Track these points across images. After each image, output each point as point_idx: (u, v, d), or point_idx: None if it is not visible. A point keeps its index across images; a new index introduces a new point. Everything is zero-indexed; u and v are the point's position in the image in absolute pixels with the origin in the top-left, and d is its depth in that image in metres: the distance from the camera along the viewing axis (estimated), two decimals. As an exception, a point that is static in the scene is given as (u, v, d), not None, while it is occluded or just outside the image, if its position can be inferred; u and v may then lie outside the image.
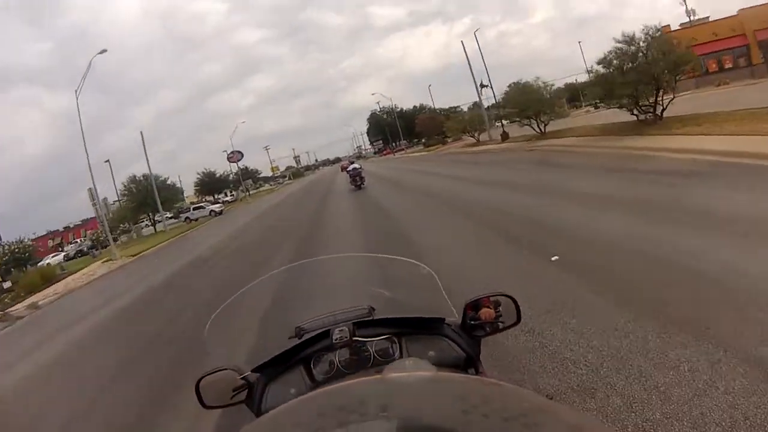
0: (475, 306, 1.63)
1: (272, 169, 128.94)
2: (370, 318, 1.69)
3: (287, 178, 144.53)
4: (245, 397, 1.62)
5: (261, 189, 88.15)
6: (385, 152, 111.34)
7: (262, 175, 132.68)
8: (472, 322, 1.62)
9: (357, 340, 1.56)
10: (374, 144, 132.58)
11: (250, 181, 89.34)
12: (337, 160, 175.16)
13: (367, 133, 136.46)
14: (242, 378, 1.60)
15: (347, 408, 0.61)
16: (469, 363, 1.60)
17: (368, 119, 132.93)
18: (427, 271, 1.92)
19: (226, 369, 1.63)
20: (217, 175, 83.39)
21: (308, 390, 1.49)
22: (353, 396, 0.68)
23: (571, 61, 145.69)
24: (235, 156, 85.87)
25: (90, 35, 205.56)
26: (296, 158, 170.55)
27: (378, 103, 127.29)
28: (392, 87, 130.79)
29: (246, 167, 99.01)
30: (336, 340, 1.53)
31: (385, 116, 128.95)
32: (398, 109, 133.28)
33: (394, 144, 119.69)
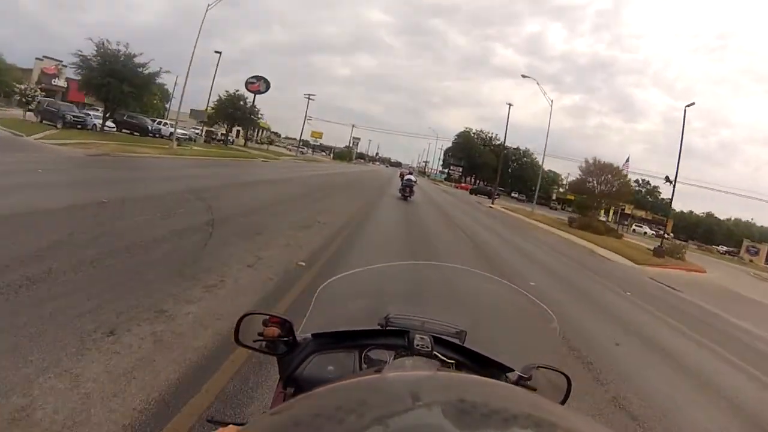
0: (529, 371, 1.61)
1: (314, 134, 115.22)
2: (455, 341, 1.69)
3: (324, 153, 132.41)
4: (285, 352, 1.60)
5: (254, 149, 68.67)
6: (461, 186, 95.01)
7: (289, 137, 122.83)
8: (522, 386, 1.59)
9: (435, 355, 1.56)
10: (453, 168, 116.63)
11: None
12: (398, 164, 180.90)
13: (446, 153, 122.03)
14: (292, 336, 1.59)
15: (346, 407, 0.62)
16: None
17: (457, 136, 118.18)
18: (553, 324, 1.92)
19: (285, 320, 1.60)
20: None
21: (349, 374, 1.53)
22: (352, 396, 0.69)
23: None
24: (257, 84, 66.49)
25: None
26: (354, 140, 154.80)
27: (473, 130, 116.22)
28: (481, 125, 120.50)
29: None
30: (418, 345, 1.55)
31: (482, 146, 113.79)
32: (498, 143, 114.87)
33: (475, 181, 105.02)
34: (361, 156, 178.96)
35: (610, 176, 49.07)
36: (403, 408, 0.59)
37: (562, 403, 1.60)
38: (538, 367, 1.63)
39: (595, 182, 49.90)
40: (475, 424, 0.56)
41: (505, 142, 76.16)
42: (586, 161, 51.05)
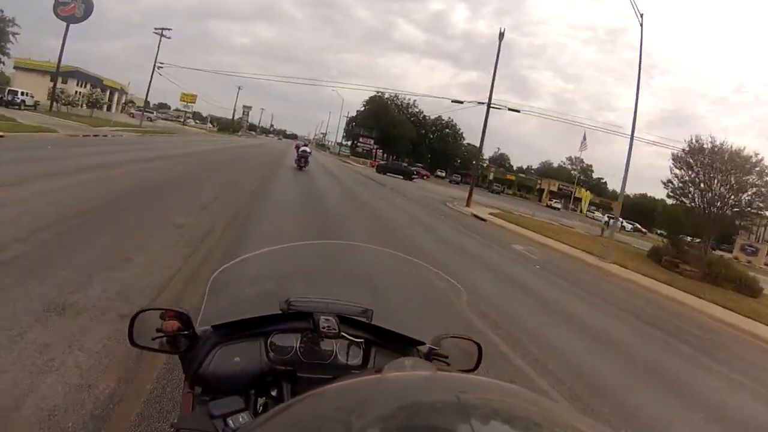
0: (438, 341, 1.72)
1: (185, 98, 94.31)
2: (362, 319, 1.71)
3: (208, 125, 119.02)
4: (184, 348, 1.57)
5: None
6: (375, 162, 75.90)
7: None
8: (435, 356, 1.71)
9: (343, 336, 1.61)
10: (363, 141, 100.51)
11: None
12: (294, 136, 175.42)
13: (351, 122, 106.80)
14: (192, 329, 1.56)
15: (347, 408, 0.62)
16: None
17: (366, 102, 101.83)
18: (463, 298, 2.04)
19: (182, 313, 1.56)
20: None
21: (257, 365, 1.58)
22: (353, 396, 0.70)
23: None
24: (72, 5, 49.35)
25: None
26: (245, 108, 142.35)
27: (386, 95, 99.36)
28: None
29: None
30: (323, 328, 1.57)
31: (397, 113, 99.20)
32: (417, 110, 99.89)
33: (385, 156, 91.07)
34: (253, 128, 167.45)
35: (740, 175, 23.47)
36: (404, 408, 0.59)
37: (474, 368, 1.71)
38: (449, 336, 1.72)
39: (716, 184, 23.70)
40: (474, 424, 0.55)
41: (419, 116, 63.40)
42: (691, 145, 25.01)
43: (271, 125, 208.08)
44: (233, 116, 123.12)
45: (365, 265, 2.60)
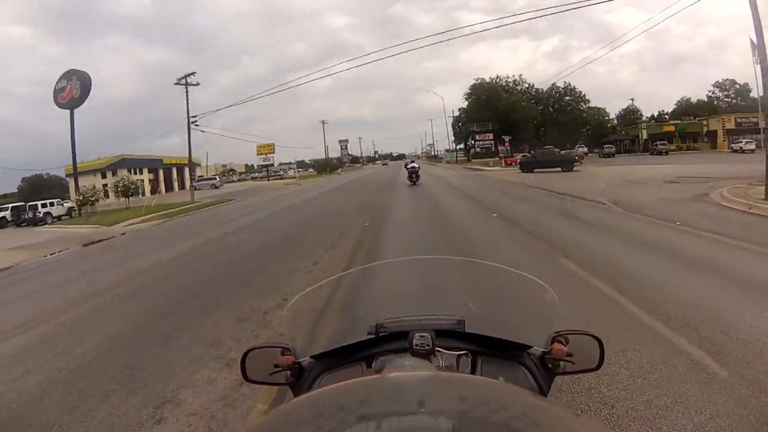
0: (554, 339, 1.60)
1: (261, 150, 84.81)
2: (458, 330, 1.66)
3: (295, 170, 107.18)
4: (292, 379, 1.63)
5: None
6: (509, 159, 59.34)
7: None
8: (547, 356, 1.59)
9: (438, 350, 1.56)
10: (478, 138, 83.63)
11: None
12: (401, 157, 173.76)
13: (457, 123, 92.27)
14: (296, 361, 1.63)
15: (347, 408, 0.63)
16: None
17: (469, 94, 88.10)
18: (549, 295, 1.89)
19: (281, 347, 1.65)
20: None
21: None
22: (354, 396, 0.71)
23: None
24: (68, 88, 48.58)
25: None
26: (342, 143, 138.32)
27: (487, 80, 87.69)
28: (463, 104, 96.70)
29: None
30: (417, 345, 1.51)
31: (509, 95, 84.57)
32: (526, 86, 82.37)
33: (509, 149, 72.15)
34: (355, 160, 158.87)
35: None
36: (404, 408, 0.60)
37: (597, 367, 1.57)
38: (559, 335, 1.57)
39: None
40: (474, 423, 0.57)
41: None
42: None
43: (376, 152, 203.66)
44: (326, 154, 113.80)
45: (446, 276, 2.53)
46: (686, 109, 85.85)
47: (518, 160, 44.59)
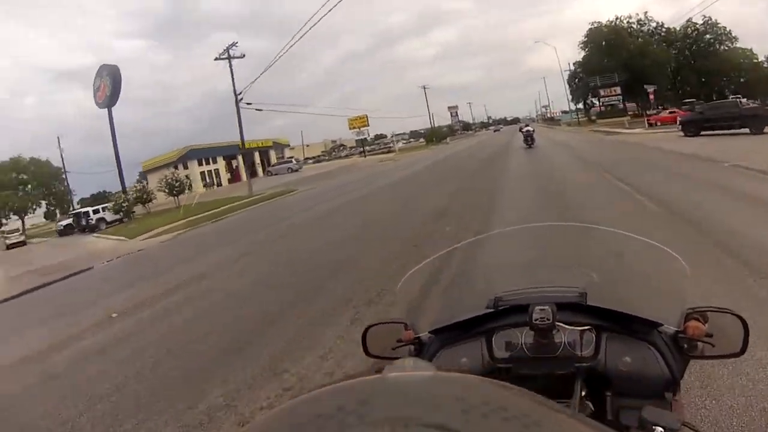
0: (689, 316, 1.51)
1: (353, 123, 77.30)
2: (580, 303, 1.61)
3: (398, 142, 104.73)
4: (413, 355, 1.64)
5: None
6: (659, 118, 45.95)
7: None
8: (682, 336, 1.50)
9: (559, 325, 1.53)
10: (604, 93, 70.74)
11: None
12: (516, 121, 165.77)
13: (573, 79, 79.49)
14: (416, 336, 1.67)
15: (346, 408, 0.62)
16: (669, 384, 1.47)
17: (585, 42, 74.30)
18: (679, 265, 1.77)
19: (401, 322, 1.71)
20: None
21: (484, 364, 1.60)
22: (353, 396, 0.70)
23: None
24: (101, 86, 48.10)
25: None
26: (451, 110, 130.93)
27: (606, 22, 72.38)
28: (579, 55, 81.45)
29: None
30: (536, 320, 1.49)
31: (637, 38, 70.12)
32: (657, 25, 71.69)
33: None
34: (467, 127, 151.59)
35: None
36: (403, 408, 0.60)
37: (741, 352, 1.45)
38: (695, 311, 1.49)
39: None
40: (474, 424, 0.57)
41: None
42: None
43: (489, 117, 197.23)
44: (431, 122, 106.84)
45: (562, 243, 2.53)
46: None
47: (678, 119, 31.90)
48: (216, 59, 40.96)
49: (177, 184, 41.82)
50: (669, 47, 70.07)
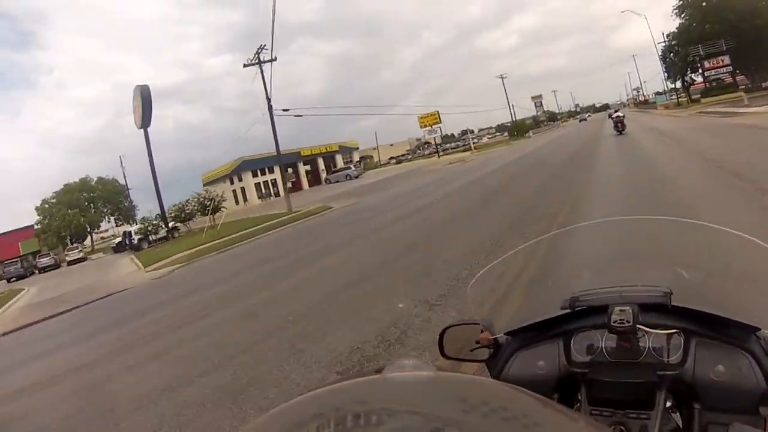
0: None
1: (424, 121, 71.65)
2: (664, 304, 1.47)
3: (479, 138, 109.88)
4: (488, 356, 1.65)
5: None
6: None
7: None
8: None
9: (640, 328, 1.42)
10: (706, 67, 60.86)
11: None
12: (605, 107, 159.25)
13: (668, 52, 69.81)
14: (493, 337, 1.64)
15: (346, 408, 0.63)
16: (765, 398, 1.31)
17: (679, 7, 63.87)
18: None
19: (477, 324, 1.66)
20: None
21: (560, 367, 1.53)
22: (352, 395, 0.72)
23: None
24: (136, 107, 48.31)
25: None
26: (535, 99, 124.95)
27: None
28: (673, 23, 71.62)
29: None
30: (615, 322, 1.39)
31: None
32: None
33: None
34: (553, 117, 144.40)
35: None
36: (403, 409, 0.61)
37: None
38: None
39: None
40: (474, 425, 0.57)
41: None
42: None
43: (576, 105, 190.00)
44: (511, 115, 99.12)
45: (646, 238, 2.29)
46: None
47: None
48: (245, 66, 36.20)
49: (209, 203, 39.01)
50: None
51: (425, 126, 69.08)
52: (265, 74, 35.92)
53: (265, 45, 36.15)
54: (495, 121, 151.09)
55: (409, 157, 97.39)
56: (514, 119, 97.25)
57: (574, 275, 2.24)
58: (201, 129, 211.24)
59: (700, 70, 62.20)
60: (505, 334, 1.62)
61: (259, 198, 58.09)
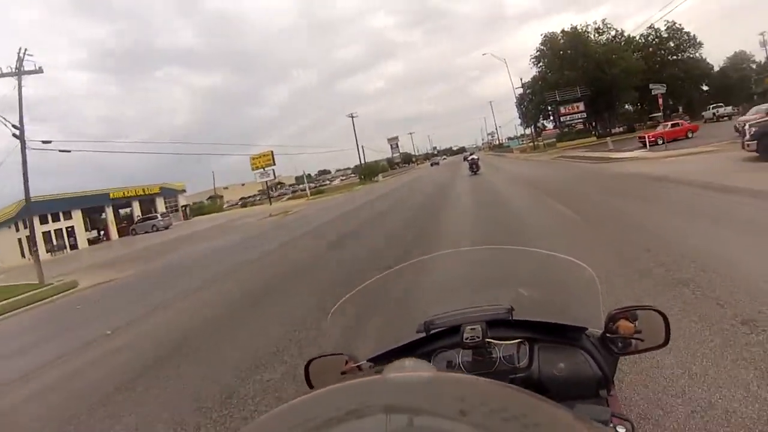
0: (616, 317, 1.59)
1: (256, 162, 62.59)
2: (507, 319, 1.68)
3: (317, 183, 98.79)
4: None
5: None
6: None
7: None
8: (609, 335, 1.58)
9: (489, 342, 1.58)
10: (564, 112, 60.41)
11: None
12: (461, 150, 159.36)
13: (523, 100, 71.24)
14: (357, 365, 1.67)
15: (347, 408, 0.64)
16: (602, 382, 1.54)
17: (536, 58, 65.02)
18: (588, 274, 1.85)
19: (340, 354, 1.70)
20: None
21: None
22: (353, 396, 0.73)
23: None
24: None
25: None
26: (391, 141, 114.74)
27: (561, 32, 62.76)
28: (523, 77, 76.43)
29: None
30: (467, 339, 1.54)
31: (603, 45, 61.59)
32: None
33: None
34: (408, 159, 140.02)
35: None
36: (403, 408, 0.61)
37: (664, 343, 1.54)
38: (622, 312, 1.57)
39: None
40: (474, 424, 0.58)
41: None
42: None
43: (433, 148, 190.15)
44: (360, 156, 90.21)
45: (482, 264, 2.55)
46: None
47: (749, 131, 16.70)
48: (1, 75, 26.19)
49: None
50: (646, 57, 61.02)
51: (257, 168, 59.78)
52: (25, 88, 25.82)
53: (27, 49, 26.11)
54: (354, 162, 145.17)
55: (258, 198, 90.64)
56: (362, 161, 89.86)
57: (429, 301, 2.35)
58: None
59: (552, 117, 64.43)
60: (368, 361, 1.64)
61: (48, 251, 43.58)
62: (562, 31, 60.64)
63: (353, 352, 1.69)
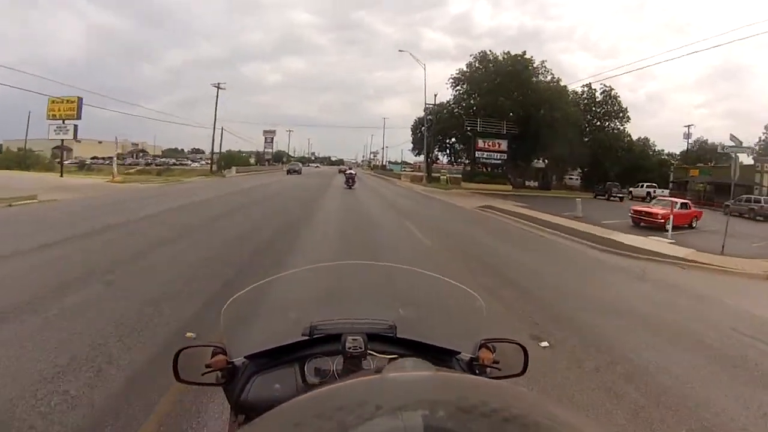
0: (482, 346, 1.73)
1: (55, 109, 40.45)
2: (389, 335, 1.73)
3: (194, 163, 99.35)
4: (226, 380, 1.65)
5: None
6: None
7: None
8: (475, 362, 1.72)
9: (371, 353, 1.63)
10: (482, 147, 50.51)
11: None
12: (340, 162, 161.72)
13: (420, 126, 63.69)
14: (229, 361, 1.64)
15: (346, 408, 0.64)
16: None
17: (455, 80, 55.80)
18: (479, 304, 1.92)
19: (215, 346, 1.67)
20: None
21: (296, 390, 1.61)
22: (353, 396, 0.71)
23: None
24: None
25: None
26: (267, 134, 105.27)
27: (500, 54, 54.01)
28: (419, 111, 75.81)
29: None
30: (349, 348, 1.59)
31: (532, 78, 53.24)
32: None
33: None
34: (278, 158, 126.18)
35: None
36: (404, 408, 0.61)
37: (522, 372, 1.72)
38: (487, 342, 1.71)
39: None
40: (474, 424, 0.58)
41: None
42: None
43: (312, 153, 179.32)
44: (213, 142, 67.16)
45: (379, 281, 2.58)
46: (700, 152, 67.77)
47: None
48: None
49: None
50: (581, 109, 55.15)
51: (54, 117, 38.84)
52: None
53: None
54: (227, 146, 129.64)
55: (107, 162, 66.51)
56: (220, 146, 67.73)
57: (311, 306, 2.34)
58: None
59: (448, 151, 61.60)
60: (244, 357, 1.64)
61: None
62: (506, 53, 51.48)
63: (229, 346, 1.62)
